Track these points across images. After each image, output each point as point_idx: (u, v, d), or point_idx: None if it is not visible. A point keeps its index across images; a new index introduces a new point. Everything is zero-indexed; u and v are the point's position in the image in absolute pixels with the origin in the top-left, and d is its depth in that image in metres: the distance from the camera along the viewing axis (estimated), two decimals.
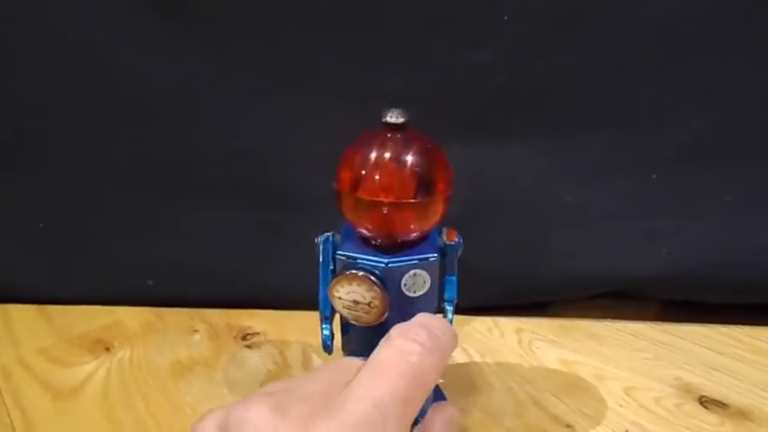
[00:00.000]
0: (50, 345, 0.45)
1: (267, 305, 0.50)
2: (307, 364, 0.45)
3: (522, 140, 0.48)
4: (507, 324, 0.50)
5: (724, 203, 0.48)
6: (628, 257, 0.49)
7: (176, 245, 0.49)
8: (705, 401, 0.43)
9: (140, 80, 0.46)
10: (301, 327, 0.49)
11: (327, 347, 0.35)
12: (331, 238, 0.34)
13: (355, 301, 0.32)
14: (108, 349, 0.45)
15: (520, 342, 0.49)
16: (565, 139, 0.48)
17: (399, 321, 0.33)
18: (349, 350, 0.36)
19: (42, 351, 0.44)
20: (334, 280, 0.32)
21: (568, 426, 0.40)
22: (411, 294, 0.33)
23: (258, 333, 0.48)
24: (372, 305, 0.32)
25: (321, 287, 0.34)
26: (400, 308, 0.32)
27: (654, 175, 0.48)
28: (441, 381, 0.41)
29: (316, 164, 0.48)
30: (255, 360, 0.45)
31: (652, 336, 0.50)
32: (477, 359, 0.46)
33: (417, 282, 0.33)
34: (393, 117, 0.32)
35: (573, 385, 0.44)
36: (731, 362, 0.47)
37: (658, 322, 0.51)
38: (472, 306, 0.50)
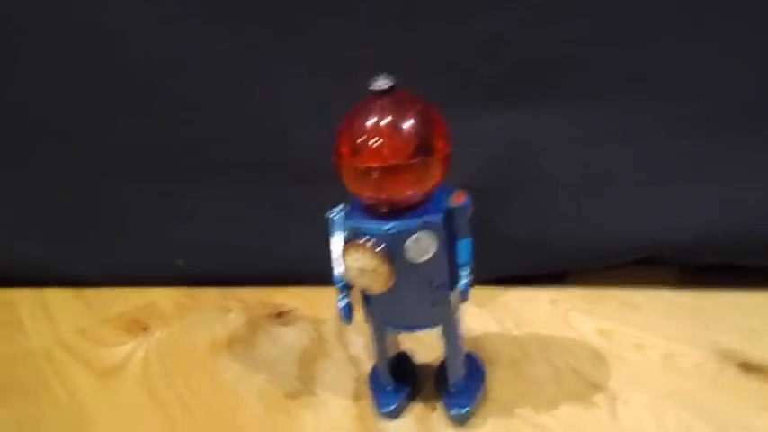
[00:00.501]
0: (88, 325, 0.47)
1: (298, 282, 0.51)
2: (343, 339, 0.46)
3: (552, 108, 0.48)
4: (541, 295, 0.51)
5: (757, 166, 0.48)
6: (663, 223, 0.50)
7: (204, 225, 0.50)
8: (746, 367, 0.43)
9: (155, 64, 0.47)
10: (334, 303, 0.50)
11: (346, 318, 0.36)
12: (340, 211, 0.35)
13: (361, 270, 0.33)
14: (145, 329, 0.46)
15: (555, 313, 0.49)
16: (595, 105, 0.48)
17: (409, 287, 0.34)
18: (371, 320, 0.37)
19: (81, 332, 0.46)
20: (342, 249, 0.34)
21: (608, 391, 0.41)
22: (417, 259, 0.33)
23: (292, 310, 0.49)
24: (378, 272, 0.33)
25: (335, 260, 0.35)
26: (408, 273, 0.33)
27: (685, 141, 0.48)
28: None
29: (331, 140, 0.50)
30: (291, 336, 0.46)
31: (688, 303, 0.50)
32: (514, 331, 0.47)
33: (421, 246, 0.33)
34: (380, 83, 0.32)
35: (611, 354, 0.45)
36: None
37: (694, 289, 0.52)
38: (504, 276, 0.50)
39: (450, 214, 0.34)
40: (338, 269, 0.35)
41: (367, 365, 0.43)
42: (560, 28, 0.45)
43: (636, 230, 0.50)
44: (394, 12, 0.45)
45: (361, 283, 0.34)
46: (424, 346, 0.43)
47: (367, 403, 0.40)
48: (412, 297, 0.35)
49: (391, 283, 0.33)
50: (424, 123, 0.33)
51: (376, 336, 0.38)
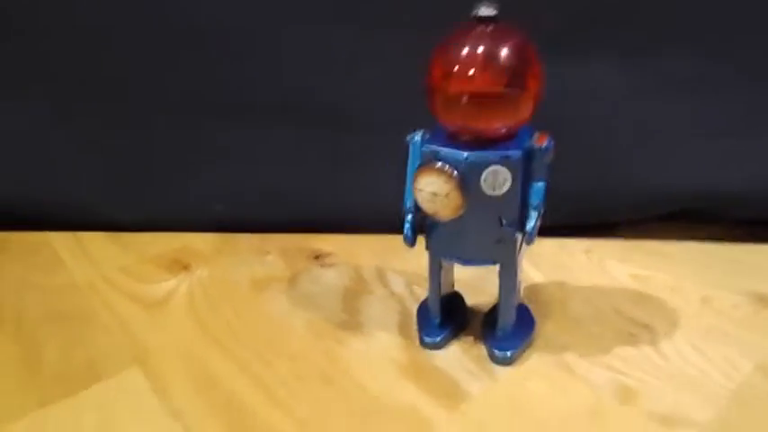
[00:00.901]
0: (128, 264, 0.48)
1: (335, 228, 0.53)
2: (384, 281, 0.47)
3: (603, 59, 0.49)
4: (575, 245, 0.53)
5: None
6: (709, 175, 0.51)
7: (242, 169, 0.51)
8: None
9: (199, 8, 0.48)
10: (372, 248, 0.51)
11: (408, 239, 0.37)
12: (420, 135, 0.36)
13: (434, 193, 0.34)
14: (186, 268, 0.48)
15: (590, 260, 0.51)
16: (646, 57, 0.49)
17: (478, 220, 0.35)
18: (432, 249, 0.38)
19: (122, 269, 0.47)
20: (416, 171, 0.34)
21: (648, 327, 0.42)
22: (490, 192, 0.34)
23: (330, 254, 0.50)
24: (450, 197, 0.34)
25: (407, 181, 0.36)
26: (478, 206, 0.34)
27: (725, 94, 0.50)
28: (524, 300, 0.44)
29: (381, 90, 0.51)
30: (331, 277, 0.47)
31: (722, 254, 0.52)
32: (552, 276, 0.48)
33: (498, 179, 0.34)
34: (484, 10, 0.33)
35: (648, 296, 0.46)
36: None
37: (727, 242, 0.54)
38: (550, 224, 0.52)
39: (530, 154, 0.34)
40: (409, 191, 0.36)
41: (410, 302, 0.45)
42: None
43: (683, 182, 0.51)
44: None
45: (430, 207, 0.35)
46: (478, 291, 0.44)
47: (414, 334, 0.41)
48: (478, 230, 0.36)
49: (461, 212, 0.34)
50: (520, 57, 0.33)
51: (433, 267, 0.39)
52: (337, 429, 0.33)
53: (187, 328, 0.41)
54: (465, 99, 0.33)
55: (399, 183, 0.51)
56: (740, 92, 0.49)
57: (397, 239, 0.53)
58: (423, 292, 0.45)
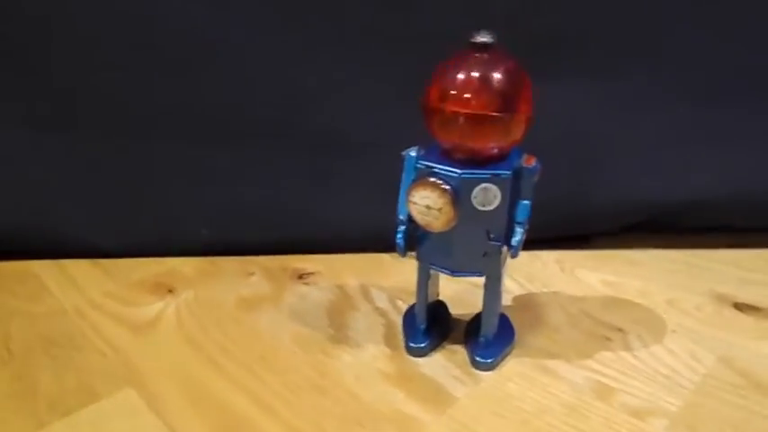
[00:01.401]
0: (114, 289, 0.49)
1: (318, 249, 0.55)
2: (367, 296, 0.50)
3: (557, 80, 0.53)
4: (547, 256, 0.56)
5: (752, 133, 0.55)
6: (661, 186, 0.55)
7: (226, 193, 0.54)
8: (740, 306, 0.49)
9: (189, 31, 0.50)
10: (354, 267, 0.54)
11: (401, 248, 0.40)
12: (415, 151, 0.39)
13: (428, 206, 0.37)
14: (171, 291, 0.49)
15: (563, 270, 0.55)
16: (598, 77, 0.53)
17: (467, 233, 0.39)
18: (422, 259, 0.41)
19: (108, 294, 0.48)
20: (412, 185, 0.38)
21: (620, 330, 0.46)
22: (480, 208, 0.37)
23: (313, 273, 0.53)
24: (442, 211, 0.37)
25: (401, 194, 0.39)
26: (468, 220, 0.38)
27: (684, 108, 0.54)
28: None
29: (363, 109, 0.54)
30: (317, 294, 0.50)
31: (686, 260, 0.56)
32: (527, 285, 0.52)
33: (488, 196, 0.37)
34: (480, 37, 0.36)
35: (618, 300, 0.50)
36: (762, 277, 0.53)
37: (688, 249, 0.58)
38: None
39: (518, 174, 0.38)
40: (402, 204, 0.39)
41: (394, 315, 0.47)
42: (576, 3, 0.51)
43: (637, 193, 0.56)
44: None
45: (423, 219, 0.38)
46: (461, 302, 0.47)
47: (399, 345, 0.44)
48: (467, 243, 0.39)
49: (452, 225, 0.37)
50: (514, 82, 0.36)
51: (421, 275, 0.42)
52: None
53: (177, 348, 0.42)
54: (461, 120, 0.36)
55: (379, 203, 0.55)
56: (683, 106, 0.54)
57: (378, 258, 0.56)
58: (406, 306, 0.48)
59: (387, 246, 0.58)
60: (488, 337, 0.42)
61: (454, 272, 0.40)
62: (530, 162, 0.38)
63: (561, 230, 0.56)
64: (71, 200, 0.52)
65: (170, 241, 0.54)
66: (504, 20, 0.53)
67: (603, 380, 0.41)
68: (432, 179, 0.37)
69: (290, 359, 0.42)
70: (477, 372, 0.41)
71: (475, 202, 0.37)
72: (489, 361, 0.42)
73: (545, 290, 0.51)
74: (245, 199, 0.53)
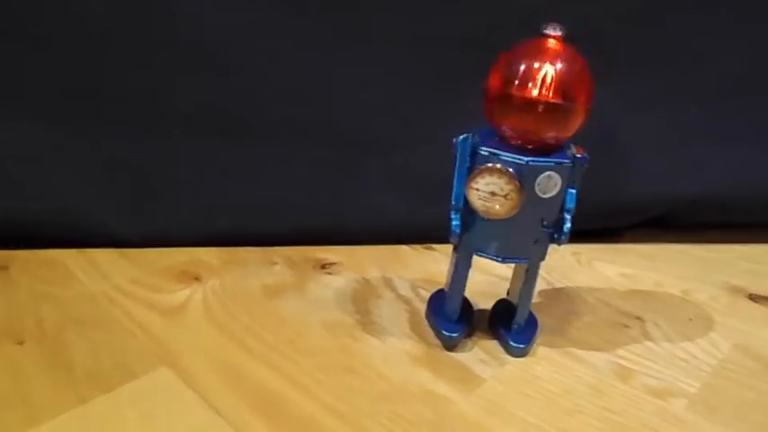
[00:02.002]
0: (140, 276, 0.51)
1: (339, 241, 0.57)
2: (390, 285, 0.52)
3: None
4: (564, 249, 0.58)
5: (759, 130, 0.57)
6: (673, 183, 0.58)
7: (246, 184, 0.55)
8: (755, 298, 0.52)
9: (207, 30, 0.52)
10: (374, 257, 0.56)
11: (456, 235, 0.41)
12: (470, 137, 0.40)
13: (492, 193, 0.38)
14: (197, 279, 0.51)
15: (579, 262, 0.57)
16: (611, 78, 0.56)
17: (526, 220, 0.40)
18: (469, 246, 0.42)
19: (134, 281, 0.50)
20: (476, 171, 0.39)
21: (638, 318, 0.48)
22: (542, 195, 0.39)
23: (335, 263, 0.55)
24: (509, 197, 0.38)
25: (457, 180, 0.40)
26: (529, 207, 0.39)
27: (693, 108, 0.57)
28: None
29: (383, 105, 0.56)
30: (340, 282, 0.52)
31: (698, 254, 0.59)
32: (546, 276, 0.54)
33: (550, 184, 0.39)
34: (551, 29, 0.38)
35: (635, 291, 0.52)
36: None
37: (702, 243, 0.60)
38: None
39: (573, 163, 0.39)
40: (459, 189, 0.40)
41: (417, 302, 0.49)
42: (587, 8, 0.54)
43: (650, 191, 0.58)
44: None
45: (484, 206, 0.39)
46: (478, 294, 0.49)
47: (425, 330, 0.45)
48: (521, 229, 0.40)
49: (515, 212, 0.39)
50: (581, 74, 0.39)
51: (463, 264, 0.43)
52: (365, 411, 0.37)
53: (208, 332, 0.44)
54: (540, 107, 0.37)
55: (399, 196, 0.57)
56: (693, 106, 0.56)
57: (397, 249, 0.58)
58: (427, 294, 0.50)
59: (406, 237, 0.60)
60: (521, 324, 0.44)
61: (505, 258, 0.42)
62: (580, 151, 0.40)
63: (577, 225, 0.59)
64: (96, 191, 0.54)
65: (193, 232, 0.56)
66: (519, 22, 0.56)
67: (624, 363, 0.43)
68: (499, 165, 0.38)
69: (319, 342, 0.44)
70: (504, 355, 0.43)
71: (537, 189, 0.39)
72: (524, 346, 0.43)
73: (564, 281, 0.53)
74: (267, 192, 0.55)
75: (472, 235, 0.42)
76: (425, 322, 0.46)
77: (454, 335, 0.44)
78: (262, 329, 0.45)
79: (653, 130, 0.58)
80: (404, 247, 0.58)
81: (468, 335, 0.45)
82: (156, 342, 0.43)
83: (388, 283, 0.52)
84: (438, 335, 0.45)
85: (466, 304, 0.47)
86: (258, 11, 0.53)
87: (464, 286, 0.44)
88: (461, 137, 0.40)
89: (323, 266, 0.54)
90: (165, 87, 0.53)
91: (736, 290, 0.53)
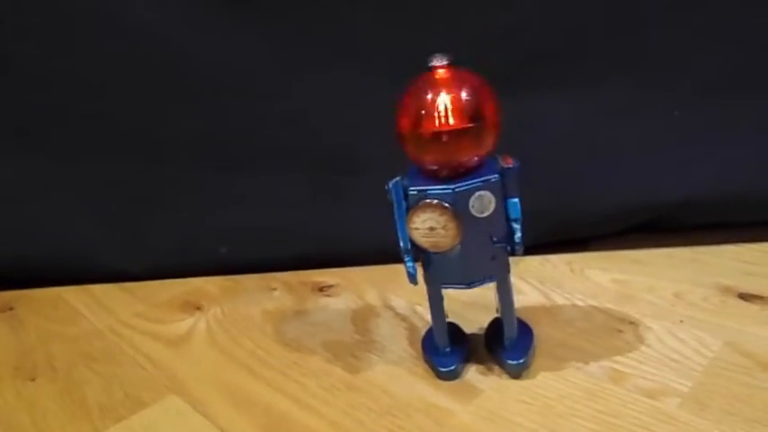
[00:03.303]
0: (143, 310, 0.54)
1: (335, 263, 0.61)
2: (387, 304, 0.55)
3: (554, 93, 0.60)
4: (557, 259, 0.62)
5: (742, 131, 0.61)
6: (659, 187, 0.62)
7: (244, 213, 0.59)
8: (745, 296, 0.55)
9: (202, 57, 0.56)
10: (371, 278, 0.60)
11: (412, 277, 0.43)
12: (400, 181, 0.42)
13: (431, 228, 0.41)
14: (199, 308, 0.55)
15: (572, 271, 0.60)
16: (590, 88, 0.60)
17: (475, 243, 0.42)
18: (433, 281, 0.44)
19: (138, 315, 0.54)
20: (410, 212, 0.41)
21: (631, 322, 0.51)
22: (480, 215, 0.42)
23: (333, 285, 0.58)
24: (447, 228, 0.41)
25: (399, 224, 0.42)
26: (471, 230, 0.41)
27: (676, 111, 0.61)
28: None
29: (370, 126, 0.60)
30: (339, 304, 0.55)
31: (689, 256, 0.62)
32: (540, 286, 0.57)
33: (483, 202, 0.42)
34: (438, 60, 0.41)
35: (628, 296, 0.55)
36: (764, 269, 0.59)
37: (691, 246, 0.64)
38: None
39: (502, 175, 0.41)
40: (403, 233, 0.42)
41: (415, 319, 0.53)
42: (562, 20, 0.58)
43: (636, 196, 0.62)
44: (419, 8, 0.57)
45: (429, 242, 0.41)
46: (466, 320, 0.52)
47: None
48: (474, 252, 0.42)
49: (459, 239, 0.41)
50: (479, 94, 0.41)
51: (434, 298, 0.45)
52: (369, 425, 0.40)
53: (213, 358, 0.47)
54: (444, 137, 0.40)
55: (391, 216, 0.60)
56: (675, 110, 0.60)
57: (393, 269, 0.62)
58: (425, 311, 0.53)
59: (401, 257, 0.63)
60: (512, 339, 0.46)
61: (469, 284, 0.44)
62: (508, 162, 0.42)
63: (567, 234, 0.62)
64: (94, 226, 0.58)
65: (192, 262, 0.59)
66: (502, 37, 0.60)
67: (617, 366, 0.46)
68: (428, 201, 0.40)
69: (322, 363, 0.47)
70: (509, 371, 0.46)
71: (473, 211, 0.41)
72: (521, 361, 0.45)
73: (557, 290, 0.57)
74: (262, 218, 0.59)
75: (432, 270, 0.44)
76: (422, 356, 0.49)
77: (451, 368, 0.45)
78: (265, 354, 0.48)
79: (636, 134, 0.61)
80: (400, 266, 0.61)
81: (467, 360, 0.47)
82: (163, 371, 0.46)
83: (386, 302, 0.56)
84: (435, 372, 0.46)
85: (456, 332, 0.48)
86: (249, 38, 0.56)
87: (443, 318, 0.46)
88: (392, 182, 0.42)
89: (321, 289, 0.58)
90: (160, 120, 0.57)
91: (726, 289, 0.56)
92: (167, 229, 0.59)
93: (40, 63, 0.54)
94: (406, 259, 0.43)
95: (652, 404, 0.42)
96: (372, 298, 0.56)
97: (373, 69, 0.58)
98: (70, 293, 0.57)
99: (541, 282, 0.58)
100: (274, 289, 0.58)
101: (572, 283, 0.58)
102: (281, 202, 0.59)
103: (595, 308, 0.54)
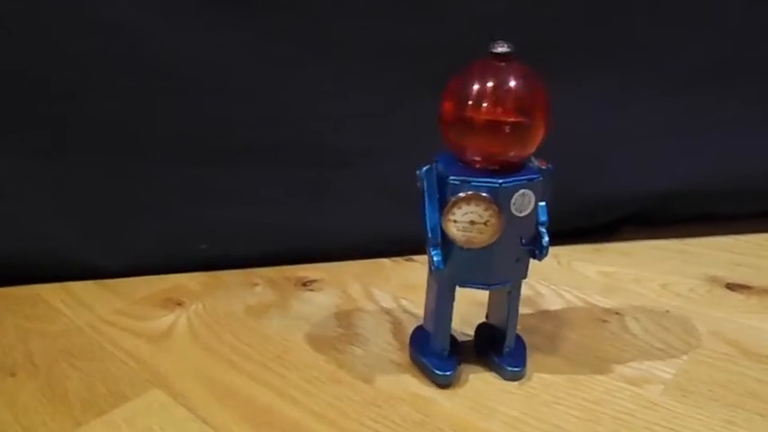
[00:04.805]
0: (123, 307, 0.56)
1: (319, 258, 0.63)
2: (371, 297, 0.57)
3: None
4: None
5: (731, 122, 0.64)
6: (646, 179, 0.64)
7: (224, 208, 0.61)
8: (731, 286, 0.58)
9: (179, 54, 0.58)
10: (355, 272, 0.62)
11: (440, 272, 0.43)
12: (434, 168, 0.42)
13: (472, 222, 0.40)
14: (180, 304, 0.56)
15: (560, 263, 0.63)
16: (575, 79, 0.62)
17: (506, 243, 0.42)
18: (450, 279, 0.44)
19: (118, 311, 0.55)
20: (451, 203, 0.40)
21: (617, 313, 0.54)
22: (518, 214, 0.41)
23: (316, 280, 0.60)
24: (489, 224, 0.40)
25: (429, 214, 0.42)
26: (508, 228, 0.41)
27: (661, 102, 0.64)
28: None
29: (352, 121, 0.62)
30: (322, 298, 0.57)
31: (677, 248, 0.65)
32: (526, 280, 0.59)
33: (525, 201, 0.42)
34: (500, 47, 0.40)
35: (614, 287, 0.58)
36: (752, 259, 0.62)
37: (678, 238, 0.66)
38: None
39: (542, 177, 0.42)
40: (434, 224, 0.42)
41: (398, 313, 0.55)
42: (547, 11, 0.60)
43: (623, 187, 0.65)
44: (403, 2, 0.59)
45: (467, 236, 0.41)
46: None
47: (408, 338, 0.51)
48: (503, 252, 0.42)
49: (497, 236, 0.41)
50: (537, 89, 0.41)
51: (446, 298, 0.45)
52: (353, 416, 0.42)
53: (195, 353, 0.49)
54: (495, 127, 0.40)
55: (374, 210, 0.62)
56: (661, 100, 0.63)
57: (377, 262, 0.64)
58: (409, 305, 0.55)
59: (384, 250, 0.66)
60: (511, 346, 0.47)
61: (490, 285, 0.44)
62: (543, 164, 0.43)
63: (554, 227, 0.64)
64: (72, 223, 0.59)
65: (172, 258, 0.61)
66: (483, 31, 0.62)
67: (602, 355, 0.48)
68: (473, 192, 0.40)
69: (305, 356, 0.49)
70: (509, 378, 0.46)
71: (513, 209, 0.41)
72: (520, 369, 0.46)
73: (543, 282, 0.59)
74: (244, 214, 0.61)
75: (453, 268, 0.43)
76: (408, 332, 0.52)
77: (449, 373, 0.45)
78: (247, 348, 0.50)
79: (623, 126, 0.64)
80: (384, 260, 0.63)
81: (459, 367, 0.47)
82: (145, 366, 0.48)
83: (370, 295, 0.58)
84: (431, 376, 0.46)
85: (451, 338, 0.48)
86: (225, 35, 0.58)
87: (450, 320, 0.46)
88: (425, 168, 0.42)
89: (304, 284, 0.60)
90: (139, 116, 0.58)
91: (713, 280, 0.59)
92: (147, 225, 0.60)
93: (15, 59, 0.56)
94: (434, 252, 0.43)
95: (635, 391, 0.45)
96: (356, 292, 0.58)
97: (356, 63, 0.60)
98: (48, 291, 0.58)
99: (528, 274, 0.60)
100: (256, 284, 0.60)
101: (558, 275, 0.60)
102: (262, 197, 0.61)
103: (581, 299, 0.56)
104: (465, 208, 0.40)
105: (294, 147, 0.61)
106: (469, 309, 0.51)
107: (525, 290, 0.57)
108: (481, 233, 0.41)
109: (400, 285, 0.59)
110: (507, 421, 0.42)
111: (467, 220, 0.41)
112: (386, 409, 0.43)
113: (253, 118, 0.60)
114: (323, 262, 0.63)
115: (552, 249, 0.65)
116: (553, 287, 0.58)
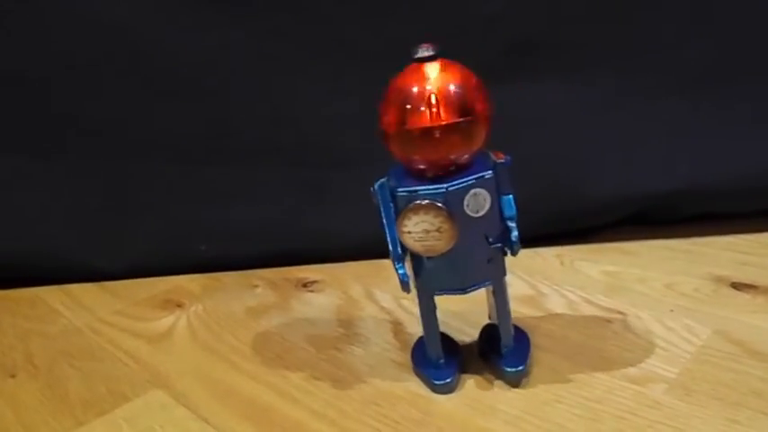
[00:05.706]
0: (123, 308, 0.57)
1: (319, 259, 0.64)
2: (372, 298, 0.58)
3: (538, 84, 0.63)
4: (547, 252, 0.65)
5: (733, 119, 0.65)
6: (649, 178, 0.65)
7: (222, 210, 0.62)
8: (737, 285, 0.58)
9: (179, 54, 0.60)
10: (355, 273, 0.63)
11: (406, 285, 0.43)
12: (386, 182, 0.42)
13: (425, 231, 0.40)
14: (179, 306, 0.58)
15: (563, 263, 0.64)
16: (577, 78, 0.63)
17: (471, 245, 0.43)
18: (425, 288, 0.45)
19: (118, 313, 0.57)
20: (400, 215, 0.41)
21: (621, 312, 0.55)
22: (475, 215, 0.41)
23: (316, 281, 0.61)
24: (442, 230, 0.40)
25: (388, 229, 0.43)
26: (466, 231, 0.41)
27: (664, 101, 0.64)
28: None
29: (351, 122, 0.63)
30: (322, 299, 0.58)
31: (683, 248, 0.65)
32: (528, 279, 0.61)
33: (478, 201, 0.41)
34: (423, 51, 0.41)
35: (618, 287, 0.59)
36: (758, 259, 0.62)
37: (684, 237, 0.67)
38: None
39: (495, 171, 0.42)
40: (394, 238, 0.42)
41: (399, 313, 0.56)
42: (550, 9, 0.61)
43: (627, 186, 0.65)
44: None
45: (423, 245, 0.41)
46: (455, 331, 0.54)
47: (408, 338, 0.52)
48: (470, 254, 0.42)
49: (454, 241, 0.41)
50: (469, 86, 0.41)
51: (427, 307, 0.45)
52: (352, 415, 0.44)
53: (195, 354, 0.51)
54: (429, 134, 0.39)
55: (373, 211, 0.63)
56: (663, 99, 0.64)
57: (377, 263, 0.65)
58: (410, 305, 0.56)
59: (384, 251, 0.66)
60: (509, 346, 0.48)
61: (465, 289, 0.44)
62: (500, 156, 0.42)
63: (557, 227, 0.66)
64: (72, 224, 0.61)
65: (172, 260, 0.62)
66: (484, 28, 0.63)
67: (605, 355, 0.49)
68: (420, 202, 0.40)
69: (306, 356, 0.50)
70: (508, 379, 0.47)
71: (468, 210, 0.41)
72: (519, 368, 0.46)
73: (546, 282, 0.60)
74: (244, 214, 0.62)
75: (424, 277, 0.44)
76: (409, 332, 0.53)
77: (447, 380, 0.46)
78: (248, 348, 0.51)
79: (623, 125, 0.65)
80: (384, 261, 0.64)
81: (462, 371, 0.48)
82: (145, 367, 0.49)
83: (370, 296, 0.59)
84: (431, 386, 0.46)
85: (448, 342, 0.48)
86: (227, 34, 0.60)
87: (437, 328, 0.46)
88: (377, 183, 0.42)
89: (304, 285, 0.61)
90: (139, 117, 0.60)
91: (719, 279, 0.59)
92: (146, 227, 0.62)
93: (12, 60, 0.57)
94: (398, 266, 0.44)
95: (638, 390, 0.45)
96: (357, 292, 0.59)
97: (356, 63, 0.61)
98: (48, 293, 0.60)
99: (530, 274, 0.61)
100: (256, 286, 0.61)
101: (561, 275, 0.61)
102: (262, 198, 0.63)
103: (584, 299, 0.57)
104: (415, 218, 0.41)
105: (294, 147, 0.63)
106: (474, 309, 0.52)
107: (527, 290, 0.59)
108: (438, 240, 0.41)
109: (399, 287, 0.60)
110: (508, 420, 0.43)
111: (420, 230, 0.41)
112: (386, 408, 0.44)
113: (252, 118, 0.62)
114: (323, 263, 0.64)
115: (555, 249, 0.68)
116: (556, 287, 0.59)
